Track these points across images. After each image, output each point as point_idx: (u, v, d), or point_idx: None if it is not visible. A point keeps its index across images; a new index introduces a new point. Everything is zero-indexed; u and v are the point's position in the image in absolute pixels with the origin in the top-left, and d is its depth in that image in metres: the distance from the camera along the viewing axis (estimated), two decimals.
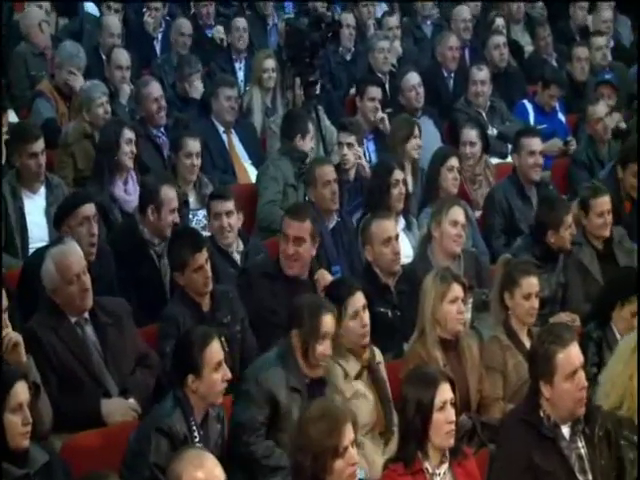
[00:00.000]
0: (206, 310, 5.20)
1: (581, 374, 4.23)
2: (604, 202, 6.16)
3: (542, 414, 4.24)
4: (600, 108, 7.70)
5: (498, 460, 4.35)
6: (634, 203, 6.96)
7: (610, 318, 5.38)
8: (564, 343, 4.23)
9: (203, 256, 5.17)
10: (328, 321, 4.64)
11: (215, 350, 4.29)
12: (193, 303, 5.17)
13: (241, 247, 6.01)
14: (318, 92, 7.53)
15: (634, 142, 7.26)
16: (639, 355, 4.42)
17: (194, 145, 6.56)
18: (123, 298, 5.18)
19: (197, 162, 6.55)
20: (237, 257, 5.95)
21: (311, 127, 7.06)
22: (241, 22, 8.90)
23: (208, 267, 5.18)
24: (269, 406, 4.54)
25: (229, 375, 4.31)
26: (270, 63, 8.06)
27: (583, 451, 4.26)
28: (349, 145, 7.04)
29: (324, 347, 4.63)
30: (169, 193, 5.76)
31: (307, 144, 7.01)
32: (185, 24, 8.81)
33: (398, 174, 6.40)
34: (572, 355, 4.22)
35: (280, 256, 5.51)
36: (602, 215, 6.16)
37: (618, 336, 5.33)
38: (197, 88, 7.96)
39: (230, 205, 5.89)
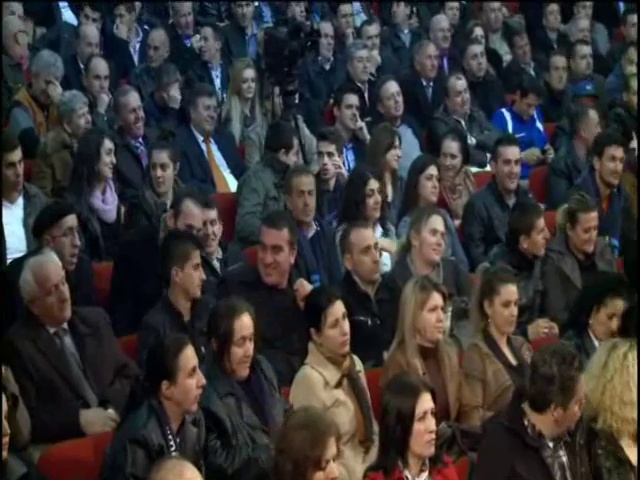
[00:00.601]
0: (187, 319, 5.20)
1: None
2: (592, 218, 6.20)
3: (526, 422, 4.24)
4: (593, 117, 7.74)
5: (480, 468, 4.35)
6: (612, 195, 6.98)
7: (587, 325, 5.42)
8: (578, 394, 4.20)
9: (199, 256, 5.24)
10: (243, 323, 4.58)
11: (189, 355, 4.28)
12: (175, 312, 5.17)
13: (220, 255, 6.03)
14: (297, 101, 7.55)
15: (606, 132, 7.31)
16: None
17: (158, 156, 6.56)
18: (119, 305, 5.14)
19: (161, 173, 6.52)
20: (217, 265, 5.96)
21: (295, 142, 7.06)
22: (208, 31, 8.88)
23: (202, 270, 5.22)
24: (213, 425, 4.49)
25: (204, 381, 4.31)
26: (249, 72, 8.07)
27: (565, 459, 4.28)
28: (329, 154, 7.05)
29: (243, 349, 4.57)
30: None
31: (291, 158, 7.01)
32: (158, 36, 8.78)
33: (373, 184, 6.41)
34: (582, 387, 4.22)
35: (259, 265, 5.50)
36: (589, 231, 6.20)
37: (596, 343, 5.37)
38: (175, 97, 7.96)
39: (214, 214, 5.93)
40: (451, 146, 7.28)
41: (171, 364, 4.23)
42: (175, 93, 7.95)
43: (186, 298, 5.21)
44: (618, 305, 5.39)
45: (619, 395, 4.41)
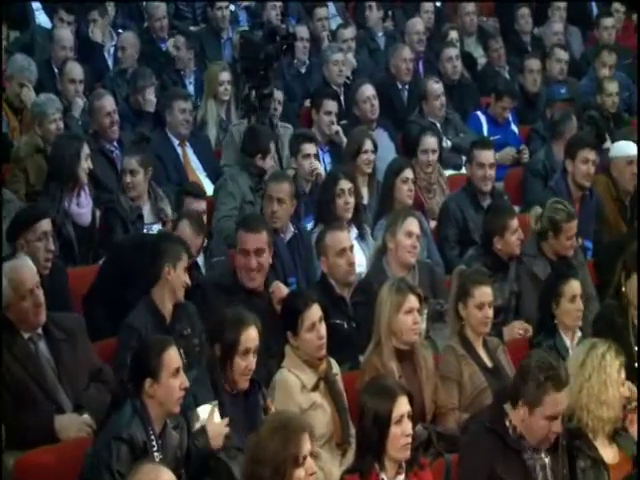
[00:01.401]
0: (169, 321, 5.20)
1: (559, 420, 4.22)
2: (575, 226, 6.24)
3: (508, 424, 4.25)
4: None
5: (461, 469, 4.35)
6: (584, 197, 7.01)
7: (555, 323, 5.47)
8: (558, 388, 4.17)
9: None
10: (250, 335, 4.58)
11: (173, 355, 4.29)
12: (158, 313, 5.17)
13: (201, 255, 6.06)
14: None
15: (579, 135, 7.34)
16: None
17: (128, 162, 6.56)
18: (94, 307, 5.13)
19: (130, 179, 6.50)
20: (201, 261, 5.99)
21: (272, 146, 7.06)
22: (180, 40, 8.85)
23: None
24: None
25: (187, 383, 4.30)
26: (225, 75, 8.07)
27: (547, 461, 4.29)
28: (315, 156, 7.07)
29: (246, 362, 4.56)
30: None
31: (267, 163, 7.00)
32: (126, 38, 8.76)
33: (344, 184, 6.41)
34: (559, 400, 4.19)
35: (239, 270, 5.49)
36: (571, 238, 6.24)
37: (568, 343, 5.41)
38: (151, 101, 7.94)
39: (204, 205, 6.09)
40: (430, 141, 7.33)
41: (155, 362, 4.24)
42: (151, 97, 7.93)
43: (171, 300, 5.21)
44: (574, 286, 5.48)
45: (596, 394, 4.45)
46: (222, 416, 4.48)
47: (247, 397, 4.63)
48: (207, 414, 4.47)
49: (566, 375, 4.25)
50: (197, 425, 4.42)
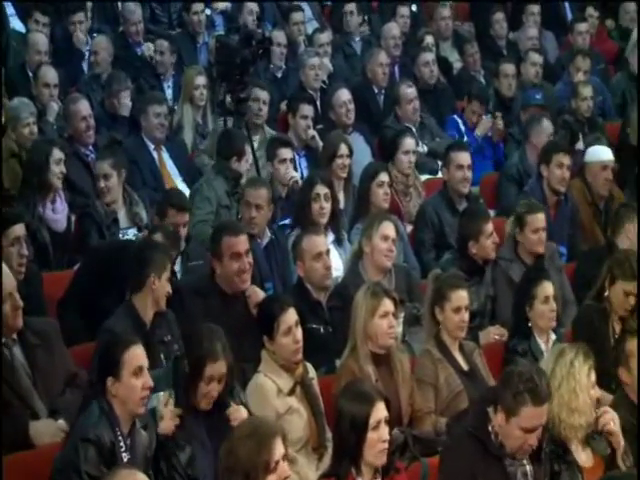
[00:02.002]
0: (149, 327, 5.18)
1: (539, 431, 4.20)
2: (539, 219, 6.27)
3: (491, 429, 4.24)
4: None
5: (441, 473, 4.35)
6: (559, 202, 7.05)
7: (530, 327, 5.50)
8: (536, 402, 4.13)
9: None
10: (215, 368, 4.48)
11: (136, 354, 4.27)
12: (138, 319, 5.15)
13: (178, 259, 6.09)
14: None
15: (554, 140, 7.41)
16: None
17: (100, 167, 6.54)
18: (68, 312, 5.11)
19: (105, 183, 6.47)
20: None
21: (247, 149, 7.06)
22: (164, 45, 8.81)
23: None
24: None
25: (150, 383, 4.28)
26: (201, 80, 8.06)
27: (528, 468, 4.28)
28: (291, 160, 7.07)
29: (209, 389, 4.49)
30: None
31: (243, 166, 7.00)
32: (99, 42, 8.73)
33: (320, 188, 6.42)
34: (538, 414, 4.15)
35: (224, 274, 5.48)
36: (537, 232, 6.25)
37: (542, 346, 5.44)
38: (126, 105, 7.91)
39: (187, 217, 6.07)
40: (410, 142, 7.38)
41: (116, 360, 4.23)
42: (126, 101, 7.91)
43: (152, 308, 5.20)
44: (547, 288, 5.52)
45: (566, 403, 4.46)
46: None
47: (211, 416, 4.57)
48: (162, 400, 4.46)
49: (547, 392, 4.21)
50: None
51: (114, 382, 4.23)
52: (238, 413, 4.58)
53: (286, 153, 7.10)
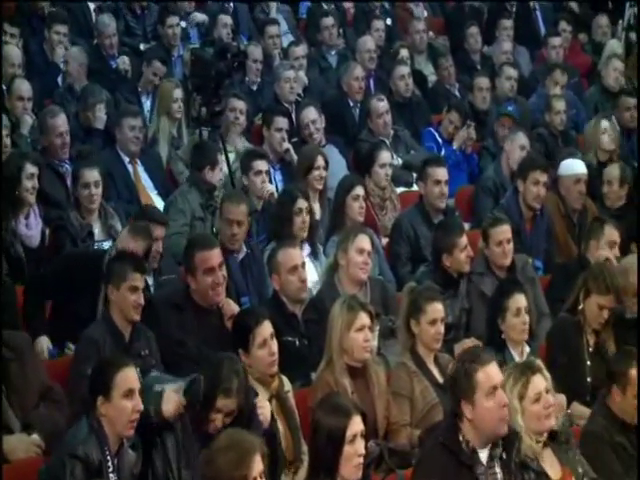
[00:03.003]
0: (127, 340, 5.16)
1: (501, 392, 4.28)
2: (503, 231, 6.29)
3: (461, 438, 4.26)
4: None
5: None
6: (535, 216, 7.09)
7: (504, 339, 5.51)
8: (483, 362, 4.28)
9: (142, 280, 5.19)
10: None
11: (129, 376, 4.26)
12: (116, 331, 5.13)
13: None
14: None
15: (530, 156, 7.43)
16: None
17: (90, 174, 6.49)
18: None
19: (95, 191, 6.46)
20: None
21: (220, 158, 7.05)
22: (160, 69, 8.78)
23: (142, 295, 5.17)
24: None
25: (140, 407, 4.26)
26: (179, 93, 8.05)
27: (499, 477, 4.29)
28: (267, 172, 7.07)
29: (216, 417, 4.47)
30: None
31: (216, 175, 7.00)
32: (70, 53, 8.69)
33: (301, 203, 6.42)
34: (491, 373, 4.27)
35: (198, 288, 5.47)
36: (501, 244, 6.28)
37: (517, 358, 5.46)
38: (100, 118, 7.89)
39: (164, 230, 6.04)
40: (387, 156, 7.41)
41: (108, 380, 4.22)
42: (100, 113, 7.88)
43: (123, 319, 5.17)
44: (518, 300, 5.53)
45: (512, 417, 4.46)
46: None
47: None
48: (173, 387, 4.42)
49: (488, 354, 4.33)
50: (157, 388, 4.38)
51: (104, 402, 4.22)
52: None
53: (261, 165, 7.10)
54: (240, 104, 7.92)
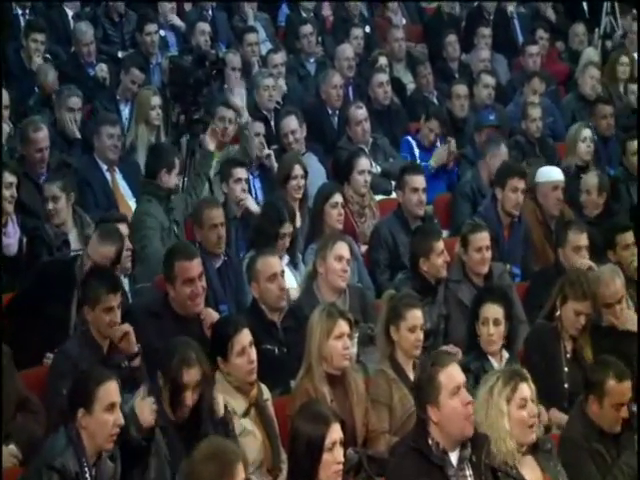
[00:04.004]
0: (105, 352, 5.14)
1: (464, 391, 4.31)
2: (482, 238, 6.31)
3: (431, 441, 4.29)
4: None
5: None
6: (512, 223, 7.12)
7: (480, 346, 5.53)
8: (444, 363, 4.32)
9: (116, 299, 5.17)
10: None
11: (111, 390, 4.25)
12: (94, 344, 5.11)
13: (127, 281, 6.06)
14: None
15: (509, 163, 7.46)
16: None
17: (49, 189, 6.51)
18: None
19: (53, 206, 6.45)
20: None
21: (177, 162, 6.98)
22: (138, 76, 8.78)
23: (118, 312, 5.16)
24: None
25: (121, 421, 4.25)
26: (157, 100, 8.03)
27: (470, 479, 4.31)
28: (246, 180, 7.06)
29: (185, 396, 4.50)
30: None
31: (172, 179, 6.89)
32: (48, 68, 8.64)
33: (287, 227, 6.39)
34: (453, 373, 4.31)
35: (177, 298, 5.46)
36: (480, 251, 6.29)
37: (495, 365, 5.47)
38: (76, 126, 7.86)
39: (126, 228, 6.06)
40: (366, 162, 7.41)
41: (90, 393, 4.20)
42: (76, 121, 7.85)
43: (101, 335, 5.16)
44: (492, 311, 5.53)
45: (492, 430, 4.49)
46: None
47: (187, 429, 4.55)
48: (140, 394, 4.46)
49: (448, 356, 4.38)
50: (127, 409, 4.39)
51: (85, 414, 4.20)
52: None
53: (241, 173, 7.09)
54: (229, 113, 7.90)
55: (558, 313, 5.77)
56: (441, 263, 6.19)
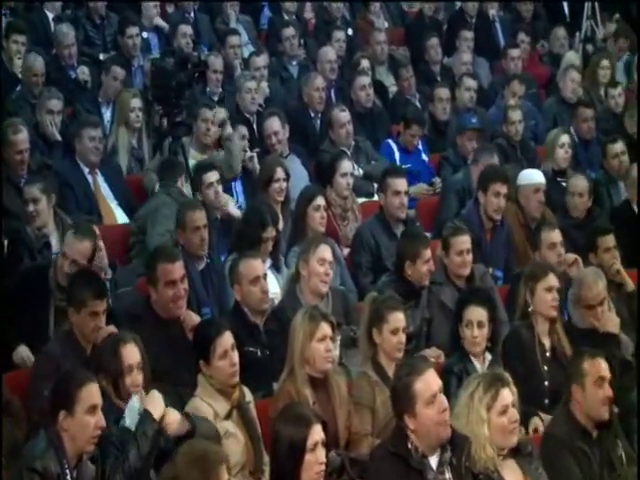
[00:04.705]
0: (88, 354, 5.13)
1: (441, 397, 4.33)
2: (463, 241, 6.33)
3: (410, 445, 4.31)
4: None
5: None
6: (495, 227, 7.14)
7: (464, 348, 5.54)
8: (420, 371, 4.33)
9: (102, 305, 5.17)
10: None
11: (93, 392, 4.24)
12: (77, 346, 5.10)
13: (109, 275, 6.11)
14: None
15: (492, 167, 7.49)
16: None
17: (29, 191, 6.49)
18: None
19: (33, 208, 6.42)
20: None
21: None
22: (119, 73, 8.75)
23: (103, 318, 5.15)
24: None
25: (102, 423, 4.24)
26: (137, 102, 8.01)
27: None
28: (218, 182, 7.05)
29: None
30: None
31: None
32: (37, 63, 8.62)
33: (270, 231, 6.39)
34: (430, 380, 4.33)
35: (159, 300, 5.45)
36: (461, 254, 6.30)
37: (478, 367, 5.49)
38: (57, 128, 7.83)
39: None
40: (348, 165, 7.41)
41: (72, 395, 4.19)
42: (57, 123, 7.83)
43: (85, 339, 5.15)
44: (476, 313, 5.55)
45: (472, 435, 4.50)
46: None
47: None
48: (134, 402, 4.46)
49: (424, 361, 4.41)
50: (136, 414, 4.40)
51: (66, 416, 4.18)
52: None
53: (212, 176, 7.03)
54: (211, 114, 7.87)
55: (531, 308, 5.79)
56: (425, 271, 6.18)
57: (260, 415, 5.03)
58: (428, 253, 6.20)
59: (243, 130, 7.90)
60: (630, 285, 6.59)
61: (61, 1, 10.22)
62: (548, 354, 5.78)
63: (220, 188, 7.07)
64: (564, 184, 7.86)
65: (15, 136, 7.15)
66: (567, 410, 4.98)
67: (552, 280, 5.83)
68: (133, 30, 9.42)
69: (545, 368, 5.73)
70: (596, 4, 11.33)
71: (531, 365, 5.71)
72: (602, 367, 4.94)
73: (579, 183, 7.57)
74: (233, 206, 7.24)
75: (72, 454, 4.19)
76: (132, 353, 4.67)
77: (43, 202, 6.44)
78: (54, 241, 6.47)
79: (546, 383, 5.68)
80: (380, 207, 7.21)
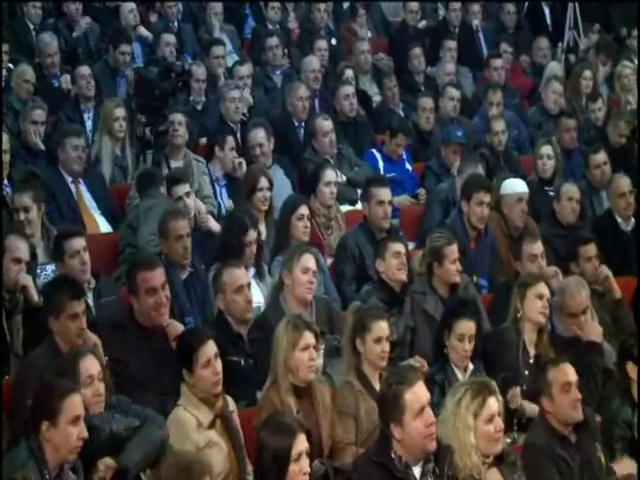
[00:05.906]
0: None
1: (428, 410, 4.34)
2: (455, 250, 6.35)
3: (393, 455, 4.32)
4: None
5: None
6: (479, 235, 7.16)
7: (447, 355, 5.55)
8: (410, 382, 4.34)
9: (81, 305, 5.14)
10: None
11: (76, 403, 4.22)
12: (60, 355, 5.05)
13: (93, 284, 6.05)
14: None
15: (475, 177, 7.52)
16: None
17: (19, 199, 6.45)
18: None
19: (24, 216, 6.39)
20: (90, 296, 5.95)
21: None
22: (85, 69, 8.76)
23: (84, 319, 5.13)
24: None
25: (85, 434, 4.22)
26: (120, 112, 7.99)
27: None
28: (187, 194, 7.00)
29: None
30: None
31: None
32: (28, 71, 8.63)
33: (252, 234, 6.39)
34: (419, 392, 4.34)
35: (141, 309, 5.43)
36: (455, 262, 6.33)
37: (460, 376, 5.50)
38: (40, 137, 7.81)
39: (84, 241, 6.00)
40: (332, 174, 7.43)
41: (55, 406, 4.17)
42: (40, 133, 7.82)
43: (66, 345, 5.12)
44: (465, 326, 5.55)
45: (457, 443, 4.52)
46: None
47: None
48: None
49: (414, 373, 4.41)
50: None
51: (49, 427, 4.16)
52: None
53: (180, 190, 6.98)
54: (178, 117, 7.81)
55: (520, 314, 5.81)
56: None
57: (243, 424, 5.03)
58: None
59: (231, 142, 7.89)
60: (617, 292, 6.62)
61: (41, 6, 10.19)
62: (531, 361, 5.80)
63: (190, 200, 7.01)
64: (551, 193, 7.90)
65: None
66: (544, 421, 4.99)
67: (542, 288, 5.88)
68: (126, 48, 9.38)
69: (526, 372, 5.75)
70: (578, 15, 11.41)
71: (512, 365, 5.73)
72: (567, 372, 4.97)
73: (569, 189, 7.61)
74: (213, 222, 7.22)
75: (54, 464, 4.18)
76: (91, 364, 4.62)
77: (34, 211, 6.41)
78: (40, 251, 6.42)
79: (524, 387, 5.69)
80: (364, 216, 7.22)
